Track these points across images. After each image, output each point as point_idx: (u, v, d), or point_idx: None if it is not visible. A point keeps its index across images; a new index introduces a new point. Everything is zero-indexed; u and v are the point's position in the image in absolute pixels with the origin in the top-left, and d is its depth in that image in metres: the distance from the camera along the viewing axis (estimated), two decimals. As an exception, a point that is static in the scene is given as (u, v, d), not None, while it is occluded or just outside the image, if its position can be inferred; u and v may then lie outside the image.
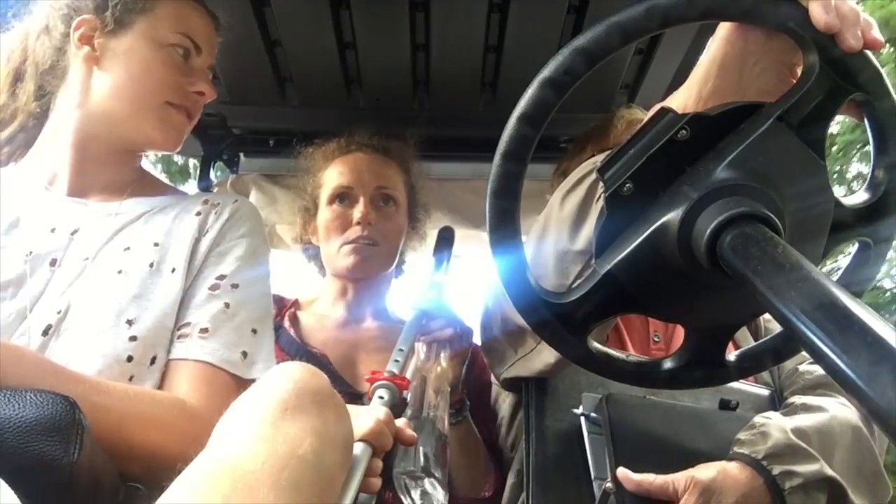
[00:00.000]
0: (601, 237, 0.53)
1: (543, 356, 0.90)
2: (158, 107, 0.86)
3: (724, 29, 0.57)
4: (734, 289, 0.48)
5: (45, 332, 0.70)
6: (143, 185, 0.91)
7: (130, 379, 0.71)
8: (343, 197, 1.27)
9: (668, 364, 0.59)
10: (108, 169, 0.87)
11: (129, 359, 0.72)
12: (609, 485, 0.83)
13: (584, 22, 1.21)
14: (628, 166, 0.51)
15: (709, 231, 0.45)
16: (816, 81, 0.51)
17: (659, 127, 0.51)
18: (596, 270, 0.54)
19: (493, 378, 1.20)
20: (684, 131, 0.50)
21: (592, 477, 0.87)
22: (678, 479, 0.81)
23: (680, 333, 1.05)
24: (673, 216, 0.49)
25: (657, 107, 0.55)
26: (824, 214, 0.52)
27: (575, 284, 0.59)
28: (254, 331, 0.80)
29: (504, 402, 1.20)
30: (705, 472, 0.81)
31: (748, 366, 0.61)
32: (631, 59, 1.35)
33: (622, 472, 0.83)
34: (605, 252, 0.53)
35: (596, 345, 0.58)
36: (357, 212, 1.24)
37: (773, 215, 0.45)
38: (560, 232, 0.76)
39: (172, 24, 0.87)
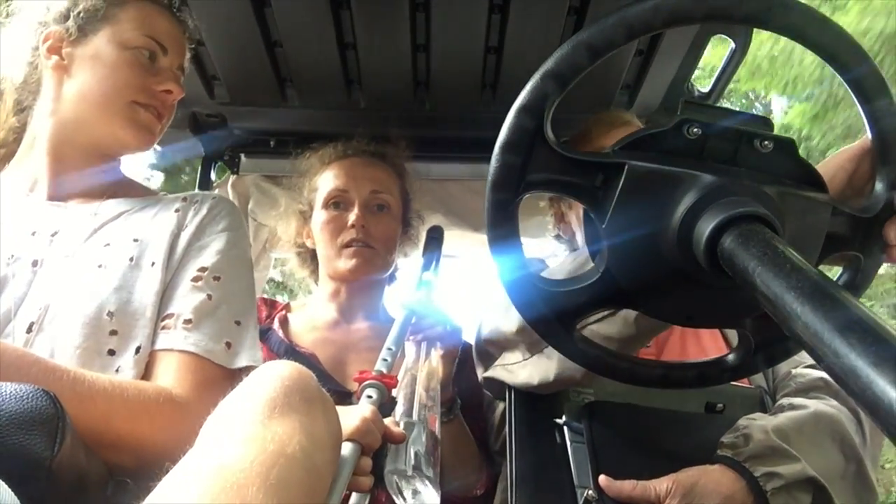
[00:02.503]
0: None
1: (528, 371, 0.91)
2: (126, 106, 0.88)
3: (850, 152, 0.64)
4: (728, 290, 0.48)
5: (29, 330, 0.71)
6: (123, 189, 0.93)
7: (117, 370, 0.71)
8: (338, 200, 1.29)
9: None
10: (86, 173, 0.89)
11: (111, 352, 0.72)
12: (591, 492, 0.83)
13: (585, 23, 1.21)
14: (713, 115, 0.55)
15: (710, 229, 0.46)
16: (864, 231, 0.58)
17: (756, 123, 0.55)
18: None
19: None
20: (768, 143, 0.54)
21: (575, 485, 0.87)
22: (660, 483, 0.81)
23: (674, 340, 1.05)
24: (680, 210, 0.49)
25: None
26: None
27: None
28: (237, 322, 0.81)
29: (496, 408, 1.20)
30: (688, 475, 0.81)
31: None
32: (632, 59, 1.35)
33: (604, 479, 0.83)
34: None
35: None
36: (352, 215, 1.25)
37: (774, 218, 0.46)
38: None
39: (137, 26, 0.89)
